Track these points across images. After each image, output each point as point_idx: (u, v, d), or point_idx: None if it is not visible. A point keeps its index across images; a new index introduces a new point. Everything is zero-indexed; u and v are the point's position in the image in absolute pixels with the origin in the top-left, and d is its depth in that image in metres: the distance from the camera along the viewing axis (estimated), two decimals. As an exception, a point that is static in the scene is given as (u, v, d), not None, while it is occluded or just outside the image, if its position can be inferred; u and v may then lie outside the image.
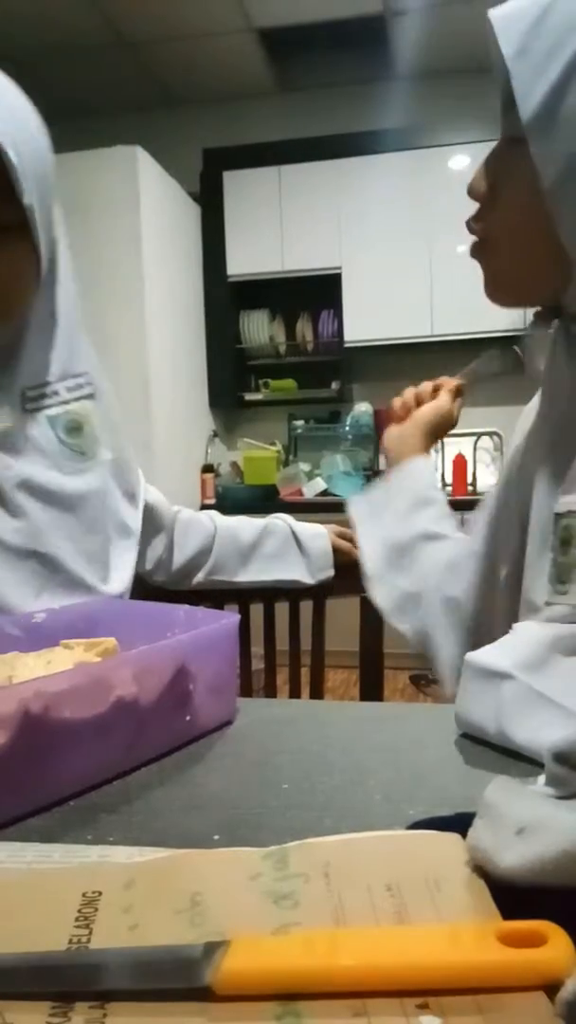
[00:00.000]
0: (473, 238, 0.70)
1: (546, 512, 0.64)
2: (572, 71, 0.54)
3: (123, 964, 0.29)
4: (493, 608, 0.76)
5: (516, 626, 0.59)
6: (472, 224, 0.69)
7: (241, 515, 1.08)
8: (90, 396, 0.77)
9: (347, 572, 1.01)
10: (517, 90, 0.56)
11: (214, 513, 1.06)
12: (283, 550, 1.04)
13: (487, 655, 0.55)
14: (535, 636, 0.55)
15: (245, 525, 1.05)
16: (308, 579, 1.04)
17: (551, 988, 0.26)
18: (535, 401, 0.75)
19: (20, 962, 0.29)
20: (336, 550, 1.05)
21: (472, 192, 0.67)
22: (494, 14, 0.58)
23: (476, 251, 0.70)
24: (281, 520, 1.07)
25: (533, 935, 0.28)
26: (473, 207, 0.69)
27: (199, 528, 1.02)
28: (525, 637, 0.55)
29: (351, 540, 1.05)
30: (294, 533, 1.05)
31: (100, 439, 0.78)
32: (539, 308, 0.71)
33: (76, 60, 3.57)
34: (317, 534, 1.06)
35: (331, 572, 1.05)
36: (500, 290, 0.70)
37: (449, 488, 3.74)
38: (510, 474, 0.77)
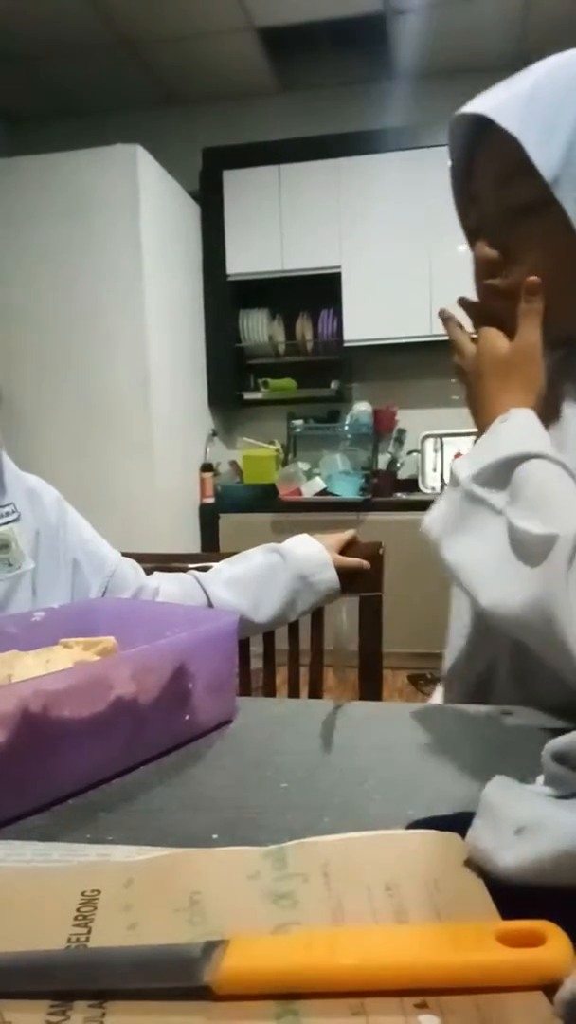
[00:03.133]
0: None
1: None
2: None
3: (122, 963, 0.29)
4: None
5: None
6: (493, 282, 0.70)
7: (234, 552, 1.00)
8: (15, 520, 0.89)
9: (347, 575, 1.00)
10: (534, 155, 0.61)
11: (202, 577, 0.98)
12: (293, 603, 0.99)
13: None
14: None
15: (245, 597, 0.97)
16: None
17: (550, 988, 0.26)
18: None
19: (19, 961, 0.29)
20: (339, 567, 0.99)
21: (487, 259, 0.70)
22: (485, 106, 0.64)
23: (500, 303, 0.69)
24: (283, 563, 0.98)
25: (532, 935, 0.28)
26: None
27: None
28: None
29: (351, 544, 1.04)
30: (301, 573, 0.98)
31: (24, 552, 0.89)
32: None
33: (76, 59, 3.56)
34: (321, 565, 0.98)
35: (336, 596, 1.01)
36: None
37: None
38: None
